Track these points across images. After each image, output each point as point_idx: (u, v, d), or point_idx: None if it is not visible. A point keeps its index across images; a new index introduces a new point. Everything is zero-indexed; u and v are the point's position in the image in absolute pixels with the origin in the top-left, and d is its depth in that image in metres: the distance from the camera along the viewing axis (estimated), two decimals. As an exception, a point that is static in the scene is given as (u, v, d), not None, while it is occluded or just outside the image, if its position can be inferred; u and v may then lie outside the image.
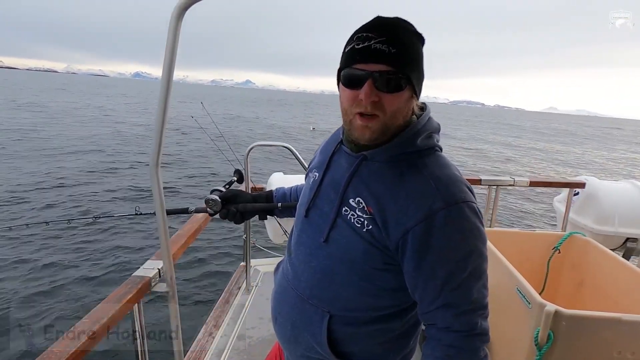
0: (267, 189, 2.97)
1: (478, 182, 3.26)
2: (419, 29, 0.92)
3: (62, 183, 10.48)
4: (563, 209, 3.40)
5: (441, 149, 1.01)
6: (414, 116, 0.99)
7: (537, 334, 1.55)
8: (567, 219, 3.35)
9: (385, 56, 0.85)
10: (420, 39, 0.92)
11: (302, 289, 1.09)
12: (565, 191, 3.47)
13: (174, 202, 9.20)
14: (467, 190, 0.92)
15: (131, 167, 13.03)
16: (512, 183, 3.24)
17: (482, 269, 0.92)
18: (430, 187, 0.89)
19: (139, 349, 1.48)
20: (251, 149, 2.69)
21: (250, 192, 2.70)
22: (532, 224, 8.44)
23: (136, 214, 1.62)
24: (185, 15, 1.06)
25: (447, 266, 0.89)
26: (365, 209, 0.94)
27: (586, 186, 3.24)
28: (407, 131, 0.94)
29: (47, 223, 1.89)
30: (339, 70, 0.93)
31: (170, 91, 1.14)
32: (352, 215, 0.96)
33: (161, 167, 1.26)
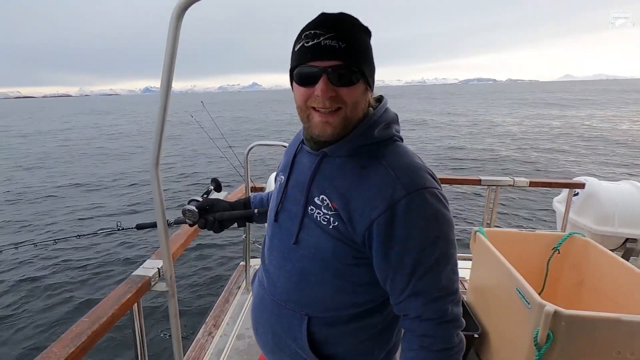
0: (267, 188, 2.97)
1: (477, 182, 3.27)
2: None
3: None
4: (563, 209, 3.40)
5: (401, 139, 1.01)
6: (371, 108, 0.99)
7: (537, 334, 1.55)
8: (567, 219, 3.35)
9: (336, 51, 0.85)
10: (366, 32, 0.92)
11: (278, 295, 1.08)
12: (564, 191, 3.47)
13: (172, 204, 9.24)
14: (428, 176, 0.91)
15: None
16: (512, 183, 3.24)
17: (449, 254, 0.92)
18: (390, 176, 0.89)
19: (139, 348, 1.48)
20: (251, 148, 2.69)
21: (250, 191, 2.70)
22: (532, 224, 8.44)
23: (118, 229, 1.64)
24: (187, 21, 1.07)
25: (413, 254, 0.88)
26: (330, 205, 0.94)
27: (586, 186, 3.24)
28: (364, 123, 0.94)
29: (35, 245, 1.94)
30: (291, 70, 0.93)
31: (170, 91, 1.14)
32: (318, 213, 0.96)
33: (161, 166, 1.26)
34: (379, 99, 1.03)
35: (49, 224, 8.90)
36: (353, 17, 0.90)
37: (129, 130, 32.57)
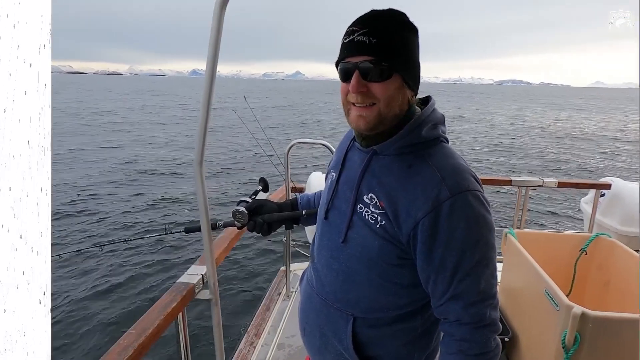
0: (307, 189, 2.94)
1: (509, 182, 3.27)
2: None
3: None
4: (590, 210, 3.37)
5: (447, 140, 1.01)
6: (418, 108, 1.00)
7: (565, 336, 1.56)
8: (594, 220, 3.32)
9: (366, 47, 0.88)
10: (408, 29, 0.93)
11: (326, 294, 1.10)
12: (592, 192, 3.45)
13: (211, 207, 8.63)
14: (472, 179, 0.92)
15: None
16: (541, 184, 3.23)
17: (489, 257, 0.92)
18: (436, 177, 0.90)
19: (183, 359, 1.44)
20: (291, 146, 2.56)
21: (290, 192, 2.61)
22: (561, 225, 8.25)
23: (166, 233, 1.61)
24: (230, 8, 1.06)
25: (455, 256, 0.89)
26: (378, 204, 0.95)
27: (612, 187, 3.21)
28: (412, 122, 0.95)
29: (79, 251, 2.01)
30: (336, 66, 0.97)
31: (214, 85, 1.13)
32: (367, 212, 0.97)
33: (205, 164, 1.25)
34: (427, 100, 1.04)
35: (88, 227, 8.07)
36: (398, 13, 0.92)
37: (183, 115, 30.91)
